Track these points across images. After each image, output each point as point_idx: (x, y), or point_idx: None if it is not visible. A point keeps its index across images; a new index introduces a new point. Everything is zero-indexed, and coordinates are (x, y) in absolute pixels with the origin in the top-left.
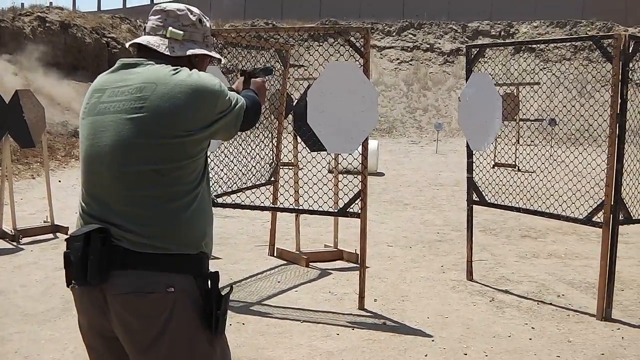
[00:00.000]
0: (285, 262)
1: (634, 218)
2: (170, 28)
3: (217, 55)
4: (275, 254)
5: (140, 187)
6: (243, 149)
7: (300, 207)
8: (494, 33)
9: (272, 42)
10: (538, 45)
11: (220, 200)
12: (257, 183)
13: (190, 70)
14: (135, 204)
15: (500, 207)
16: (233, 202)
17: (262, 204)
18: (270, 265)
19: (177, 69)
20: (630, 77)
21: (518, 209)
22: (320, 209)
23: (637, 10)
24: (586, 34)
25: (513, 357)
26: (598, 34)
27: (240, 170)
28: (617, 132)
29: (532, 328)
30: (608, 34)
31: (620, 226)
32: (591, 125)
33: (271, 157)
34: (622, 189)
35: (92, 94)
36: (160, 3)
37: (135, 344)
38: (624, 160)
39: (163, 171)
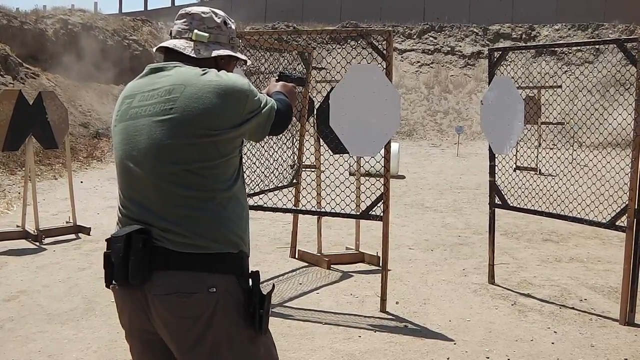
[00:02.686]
0: (306, 264)
1: None
2: (195, 31)
3: (243, 57)
4: (296, 256)
5: (176, 187)
6: (265, 151)
7: (322, 210)
8: (515, 36)
9: (294, 44)
10: (559, 48)
11: None
12: (279, 185)
13: (218, 71)
14: (173, 204)
15: (522, 210)
16: (255, 204)
17: (284, 206)
18: (292, 267)
19: (205, 70)
20: None
21: (540, 213)
22: (342, 212)
23: None
24: (608, 36)
25: None
26: (621, 37)
27: (263, 172)
28: None
29: (555, 332)
30: (632, 37)
31: None
32: (617, 128)
33: (293, 160)
34: None
35: (123, 100)
36: (185, 6)
37: (178, 343)
38: None
39: (197, 170)
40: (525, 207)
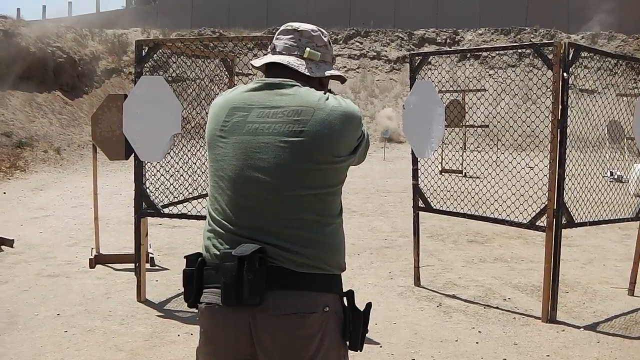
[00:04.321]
0: None
1: (576, 221)
2: (308, 49)
3: (345, 76)
4: None
5: (300, 210)
6: (189, 158)
7: None
8: (439, 40)
9: (217, 51)
10: (483, 53)
11: (166, 210)
12: (203, 193)
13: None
14: (296, 226)
15: (446, 213)
16: (179, 212)
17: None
18: None
19: (326, 94)
20: (574, 83)
21: (463, 215)
22: None
23: (579, 18)
24: (530, 41)
25: None
26: (539, 42)
27: (187, 180)
28: (559, 138)
29: (479, 332)
30: (548, 42)
31: (563, 229)
32: (535, 130)
33: None
34: (565, 193)
35: (232, 111)
36: (292, 24)
37: None
38: (566, 165)
39: (320, 195)
40: (450, 209)
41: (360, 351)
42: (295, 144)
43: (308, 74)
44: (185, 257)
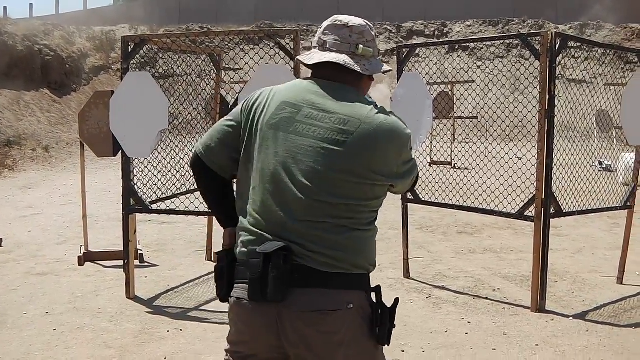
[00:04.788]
0: None
1: (564, 211)
2: (361, 46)
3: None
4: (212, 259)
5: (330, 215)
6: (176, 154)
7: None
8: (428, 33)
9: (204, 47)
10: (471, 44)
11: (154, 206)
12: (191, 188)
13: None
14: (324, 229)
15: (434, 204)
16: (168, 208)
17: (196, 209)
18: (208, 270)
19: (376, 106)
20: (562, 73)
21: (452, 206)
22: None
23: (567, 8)
24: (518, 32)
25: (450, 352)
26: (526, 32)
27: (175, 176)
28: (546, 128)
29: (469, 322)
30: (535, 31)
31: (552, 219)
32: (523, 120)
33: None
34: (553, 182)
35: (283, 105)
36: (340, 18)
37: (317, 358)
38: (555, 155)
39: (352, 206)
40: (439, 200)
41: (388, 345)
42: (336, 153)
43: (363, 72)
44: (216, 253)
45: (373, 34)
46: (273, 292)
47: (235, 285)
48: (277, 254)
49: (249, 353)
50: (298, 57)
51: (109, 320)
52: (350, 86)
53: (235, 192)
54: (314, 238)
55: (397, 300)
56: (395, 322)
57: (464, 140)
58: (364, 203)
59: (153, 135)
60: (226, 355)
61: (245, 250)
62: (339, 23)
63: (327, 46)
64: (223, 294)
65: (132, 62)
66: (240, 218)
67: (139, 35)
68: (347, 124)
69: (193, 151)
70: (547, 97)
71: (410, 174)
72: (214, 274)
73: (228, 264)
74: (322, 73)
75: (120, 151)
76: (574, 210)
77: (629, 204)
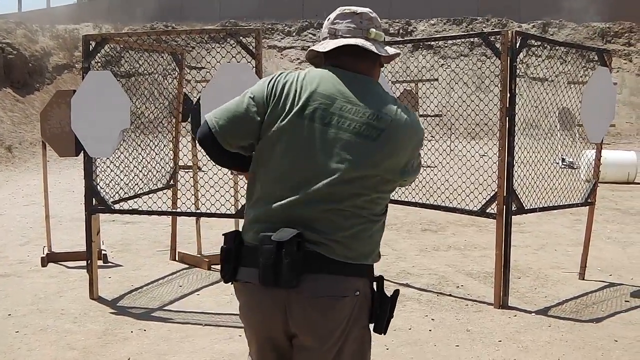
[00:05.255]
0: (187, 266)
1: (526, 208)
2: (373, 30)
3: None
4: (177, 259)
5: (350, 207)
6: (139, 153)
7: (198, 211)
8: (392, 31)
9: (166, 46)
10: (436, 43)
11: (118, 206)
12: (154, 188)
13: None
14: (342, 219)
15: (399, 202)
16: (131, 208)
17: (159, 209)
18: (172, 269)
19: (397, 101)
20: (525, 71)
21: (415, 204)
22: (218, 212)
23: (530, 7)
24: (482, 30)
25: (413, 349)
26: (486, 31)
27: (137, 176)
28: (507, 125)
29: (432, 320)
30: (496, 30)
31: (515, 216)
32: (484, 119)
33: (170, 161)
34: (515, 180)
35: (313, 95)
36: (347, 7)
37: (322, 341)
38: (518, 152)
39: (372, 199)
40: (404, 198)
41: (384, 334)
42: (368, 147)
43: (381, 53)
44: (223, 235)
45: (380, 21)
46: (286, 279)
47: (243, 268)
48: (291, 241)
49: (256, 337)
50: (312, 47)
51: (73, 321)
52: (366, 75)
53: (251, 173)
54: (328, 227)
55: (397, 291)
56: (394, 313)
57: (428, 139)
58: (383, 195)
59: (115, 135)
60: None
61: (258, 236)
62: (348, 11)
63: (340, 34)
64: (228, 277)
65: (96, 61)
66: (254, 202)
67: (100, 34)
68: (379, 119)
69: (205, 123)
70: (508, 95)
71: (420, 167)
72: (220, 255)
73: (236, 247)
74: (337, 61)
75: (83, 151)
76: (536, 207)
77: (589, 200)
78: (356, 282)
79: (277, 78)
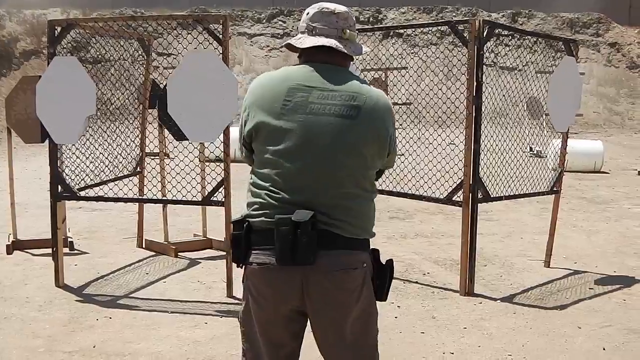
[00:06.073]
0: (154, 253)
1: (492, 196)
2: (348, 31)
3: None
4: (143, 246)
5: (350, 186)
6: (105, 140)
7: (165, 198)
8: (362, 19)
9: (133, 32)
10: (405, 31)
11: (83, 193)
12: (120, 175)
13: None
14: (344, 197)
15: None
16: (97, 195)
17: (125, 196)
18: (139, 257)
19: (367, 83)
20: (494, 60)
21: (382, 192)
22: (184, 199)
23: None
24: (451, 19)
25: (379, 336)
26: (454, 20)
27: (103, 162)
28: (474, 114)
29: (398, 307)
30: (463, 19)
31: (481, 204)
32: (451, 107)
33: (136, 148)
34: (481, 168)
35: (293, 91)
36: (326, 5)
37: (337, 313)
38: (486, 141)
39: (367, 175)
40: None
41: (384, 301)
42: (351, 126)
43: (350, 54)
44: (232, 222)
45: (353, 18)
46: (304, 256)
47: (256, 252)
48: (307, 221)
49: (271, 316)
50: (289, 41)
51: (38, 309)
52: (341, 66)
53: (253, 171)
54: (336, 206)
55: (391, 260)
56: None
57: (397, 126)
58: (372, 171)
59: (80, 121)
60: (239, 319)
61: (270, 220)
62: (327, 10)
63: (317, 32)
64: (242, 261)
65: (62, 46)
66: (258, 191)
67: (66, 19)
68: (355, 99)
69: (241, 148)
70: (475, 84)
71: (396, 139)
72: (231, 241)
73: (246, 233)
74: (316, 57)
75: (48, 137)
76: (502, 195)
77: (555, 189)
78: (362, 255)
79: (260, 81)
